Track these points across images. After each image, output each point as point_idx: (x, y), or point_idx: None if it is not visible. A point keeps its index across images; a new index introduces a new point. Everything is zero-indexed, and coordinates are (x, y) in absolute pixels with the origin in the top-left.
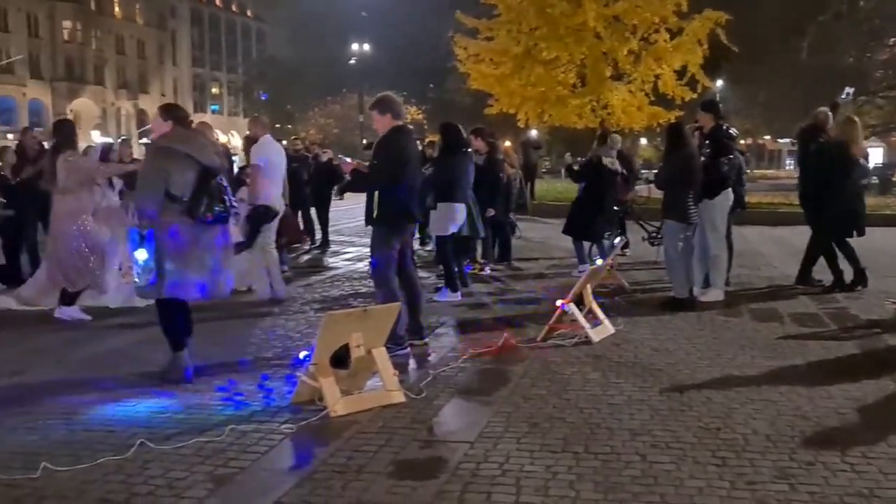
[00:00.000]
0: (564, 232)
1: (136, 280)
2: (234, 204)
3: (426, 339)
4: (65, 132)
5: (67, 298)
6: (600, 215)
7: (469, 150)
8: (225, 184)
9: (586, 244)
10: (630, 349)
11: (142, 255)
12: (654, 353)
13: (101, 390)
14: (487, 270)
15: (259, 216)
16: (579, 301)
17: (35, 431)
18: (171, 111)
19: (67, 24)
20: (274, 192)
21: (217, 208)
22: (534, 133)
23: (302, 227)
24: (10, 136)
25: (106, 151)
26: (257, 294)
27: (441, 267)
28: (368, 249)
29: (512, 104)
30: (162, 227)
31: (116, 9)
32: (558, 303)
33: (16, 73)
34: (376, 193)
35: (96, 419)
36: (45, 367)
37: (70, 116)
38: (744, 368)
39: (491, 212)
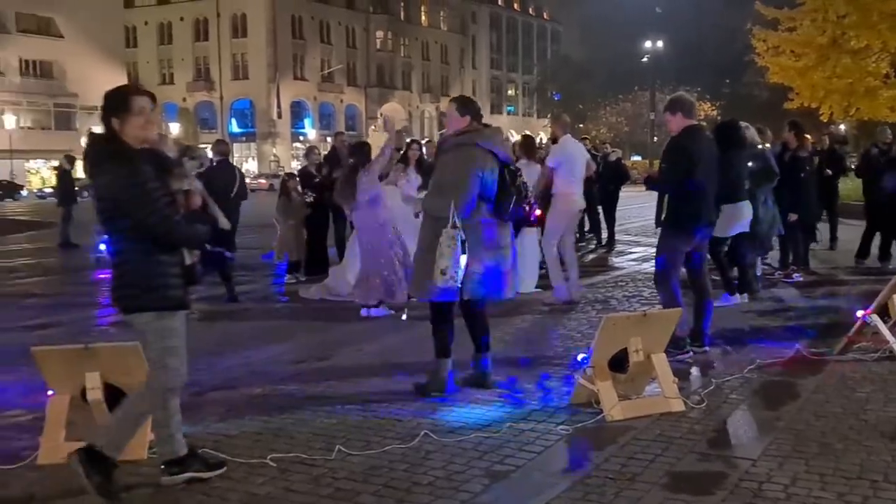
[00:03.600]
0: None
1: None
2: (533, 201)
3: (708, 346)
4: (364, 153)
5: (378, 303)
6: None
7: (761, 146)
8: (525, 180)
9: None
10: None
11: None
12: None
13: (394, 381)
14: (797, 277)
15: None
16: (884, 312)
17: (334, 415)
18: (467, 105)
19: (380, 33)
20: (575, 191)
21: (519, 206)
22: (840, 128)
23: (588, 226)
24: (328, 139)
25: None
26: (554, 294)
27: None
28: (654, 250)
29: (815, 98)
30: (472, 228)
31: (423, 17)
32: (859, 313)
33: (335, 81)
34: (667, 195)
35: (387, 408)
36: (347, 356)
37: (380, 120)
38: None
39: (793, 217)
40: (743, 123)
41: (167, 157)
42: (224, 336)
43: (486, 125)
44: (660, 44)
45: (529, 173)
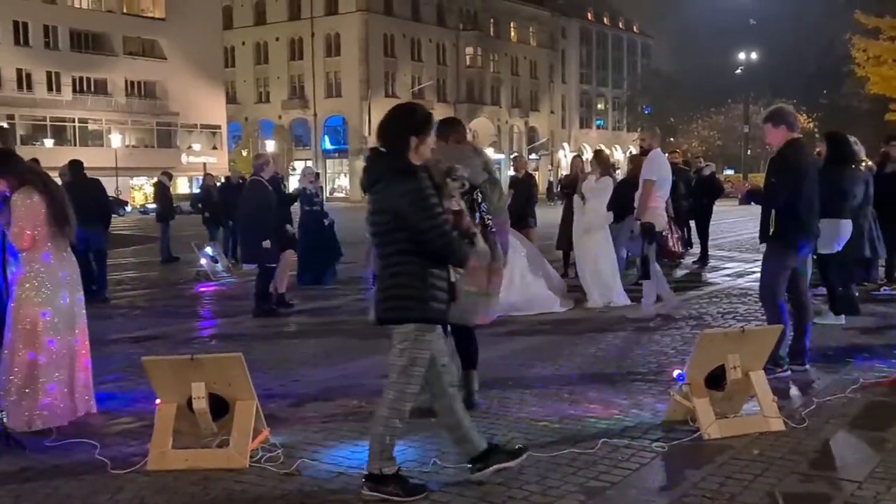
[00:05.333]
0: None
1: None
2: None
3: (808, 365)
4: None
5: None
6: None
7: (864, 162)
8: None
9: None
10: None
11: None
12: None
13: (487, 395)
14: (886, 291)
15: (647, 233)
16: None
17: (428, 428)
18: (440, 128)
19: (470, 50)
20: (662, 206)
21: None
22: None
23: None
24: None
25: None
26: (642, 308)
27: (823, 288)
28: (749, 265)
29: None
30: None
31: (513, 33)
32: None
33: (425, 97)
34: (773, 210)
35: (480, 421)
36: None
37: (469, 135)
38: None
39: None
40: (852, 138)
41: (437, 178)
42: (320, 348)
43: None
44: (754, 55)
45: (602, 189)
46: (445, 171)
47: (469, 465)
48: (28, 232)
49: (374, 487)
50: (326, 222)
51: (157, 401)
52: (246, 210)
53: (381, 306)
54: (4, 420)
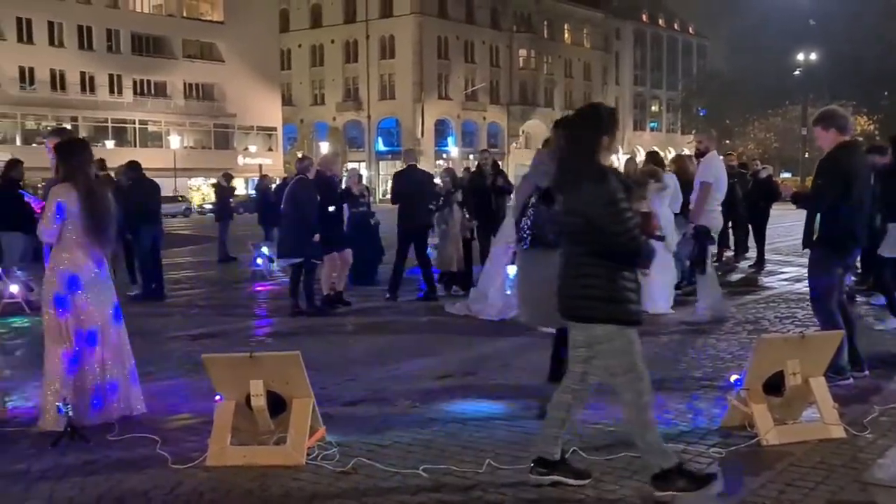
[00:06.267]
0: None
1: None
2: None
3: (866, 372)
4: None
5: None
6: None
7: None
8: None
9: None
10: None
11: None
12: None
13: (541, 397)
14: None
15: (703, 236)
16: None
17: (482, 430)
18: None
19: (523, 52)
20: (718, 208)
21: None
22: None
23: (735, 244)
24: (471, 156)
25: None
26: (696, 313)
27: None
28: (807, 270)
29: None
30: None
31: (566, 35)
32: None
33: (478, 99)
34: (818, 214)
35: (536, 423)
36: (494, 371)
37: (522, 137)
38: None
39: None
40: None
41: (628, 178)
42: (373, 348)
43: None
44: (813, 56)
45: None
46: (648, 172)
47: (532, 465)
48: (55, 225)
49: (662, 486)
50: (373, 222)
51: (217, 397)
52: (289, 206)
53: (571, 303)
54: (70, 414)
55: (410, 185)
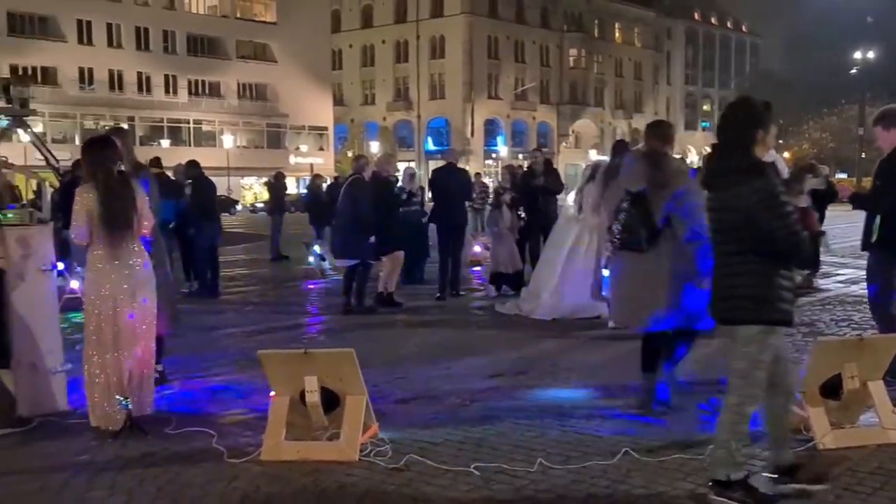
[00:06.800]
0: None
1: None
2: None
3: None
4: None
5: None
6: None
7: None
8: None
9: None
10: None
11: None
12: None
13: (592, 397)
14: None
15: None
16: None
17: (534, 429)
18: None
19: (573, 51)
20: None
21: None
22: None
23: None
24: (520, 156)
25: None
26: None
27: None
28: (863, 272)
29: None
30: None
31: (617, 34)
32: None
33: (528, 98)
34: (878, 216)
35: (586, 424)
36: (545, 371)
37: (572, 137)
38: None
39: None
40: None
41: (781, 173)
42: (424, 346)
43: None
44: (871, 54)
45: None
46: (807, 167)
47: (774, 476)
48: (80, 226)
49: (721, 493)
50: (424, 220)
51: (272, 393)
52: (345, 207)
53: (720, 305)
54: (130, 408)
55: (446, 184)
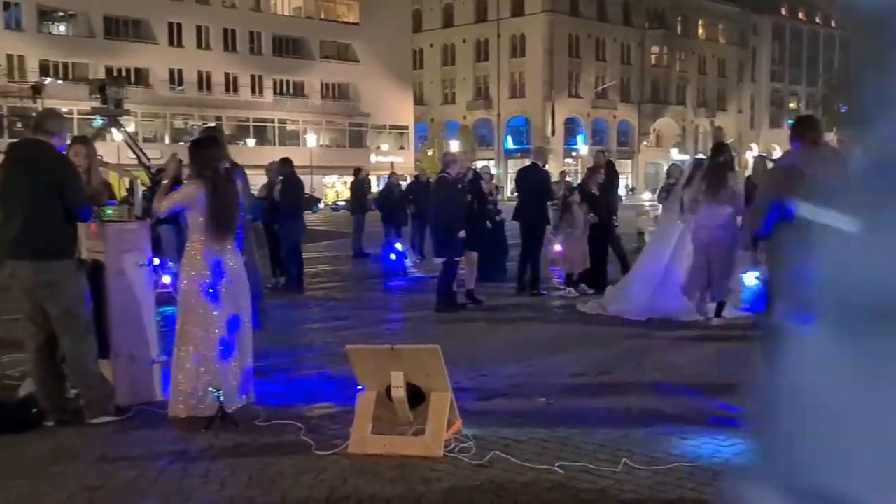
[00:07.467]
0: None
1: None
2: None
3: None
4: None
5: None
6: None
7: None
8: None
9: None
10: None
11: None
12: None
13: (677, 398)
14: None
15: None
16: None
17: (618, 429)
18: None
19: (655, 49)
20: None
21: None
22: None
23: None
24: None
25: None
26: None
27: None
28: None
29: None
30: None
31: (700, 31)
32: None
33: (608, 97)
34: None
35: (671, 425)
36: (629, 371)
37: (653, 135)
38: None
39: None
40: None
41: None
42: (507, 344)
43: None
44: None
45: None
46: None
47: None
48: (170, 206)
49: None
50: (498, 219)
51: (359, 387)
52: (435, 205)
53: None
54: (221, 399)
55: (528, 183)
